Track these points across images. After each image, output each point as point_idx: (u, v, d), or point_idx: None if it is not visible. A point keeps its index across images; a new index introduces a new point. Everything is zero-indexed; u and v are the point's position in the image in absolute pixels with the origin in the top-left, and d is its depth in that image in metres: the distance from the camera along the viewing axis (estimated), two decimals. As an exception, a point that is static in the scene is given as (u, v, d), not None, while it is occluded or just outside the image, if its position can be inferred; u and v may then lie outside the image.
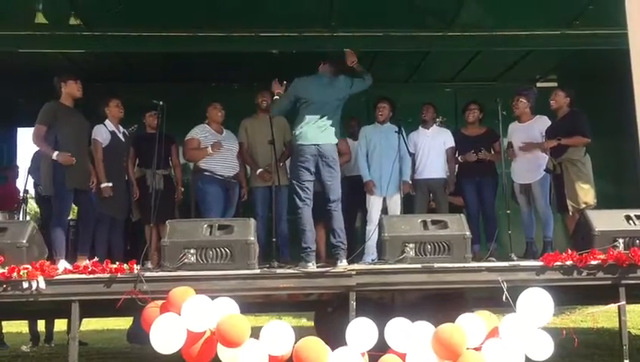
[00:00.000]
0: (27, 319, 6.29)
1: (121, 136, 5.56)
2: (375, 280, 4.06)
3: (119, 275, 3.93)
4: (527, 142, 5.61)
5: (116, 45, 6.07)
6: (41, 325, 6.61)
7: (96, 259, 4.23)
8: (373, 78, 5.12)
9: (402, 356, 3.60)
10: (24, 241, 4.10)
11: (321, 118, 4.80)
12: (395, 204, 5.60)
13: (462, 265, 4.11)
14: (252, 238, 4.12)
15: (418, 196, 5.88)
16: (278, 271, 4.16)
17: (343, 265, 4.40)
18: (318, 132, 4.76)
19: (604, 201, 5.53)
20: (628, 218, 4.28)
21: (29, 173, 6.58)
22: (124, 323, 6.76)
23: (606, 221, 4.28)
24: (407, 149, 5.67)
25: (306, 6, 5.69)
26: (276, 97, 5.06)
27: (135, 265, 3.99)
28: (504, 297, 3.79)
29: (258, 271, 4.08)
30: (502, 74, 7.71)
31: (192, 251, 4.06)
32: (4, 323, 6.60)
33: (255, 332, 3.64)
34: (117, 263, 4.03)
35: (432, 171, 5.86)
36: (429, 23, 6.14)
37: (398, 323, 3.64)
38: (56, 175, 4.85)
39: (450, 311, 3.83)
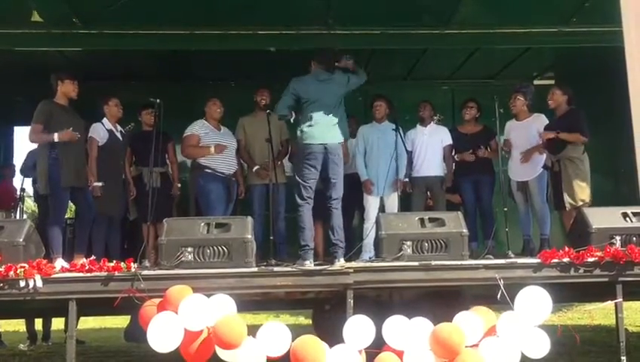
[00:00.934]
0: (24, 318, 6.27)
1: (118, 134, 5.56)
2: (372, 278, 4.06)
3: (116, 274, 3.92)
4: (525, 151, 5.59)
5: (113, 43, 6.06)
6: (38, 324, 6.60)
7: (93, 257, 4.23)
8: (370, 76, 5.12)
9: (400, 353, 3.61)
10: (21, 240, 4.08)
11: (326, 115, 4.78)
12: (393, 202, 5.60)
13: (459, 262, 4.12)
14: (249, 236, 4.11)
15: (415, 194, 5.88)
16: (276, 269, 4.15)
17: (340, 263, 4.40)
18: (325, 131, 4.75)
19: (601, 199, 5.54)
20: (625, 215, 4.29)
21: (21, 172, 6.58)
22: (121, 321, 6.76)
23: (603, 218, 4.29)
24: (405, 147, 5.68)
25: (303, 4, 5.68)
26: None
27: (132, 264, 3.98)
28: (501, 295, 3.79)
29: (255, 269, 4.07)
30: (499, 71, 7.73)
31: (189, 249, 4.05)
32: (1, 321, 6.60)
33: (252, 331, 3.64)
34: (114, 261, 4.02)
35: (430, 169, 5.86)
36: (427, 20, 6.14)
37: (395, 321, 3.64)
38: (51, 173, 4.83)
39: (447, 308, 3.84)
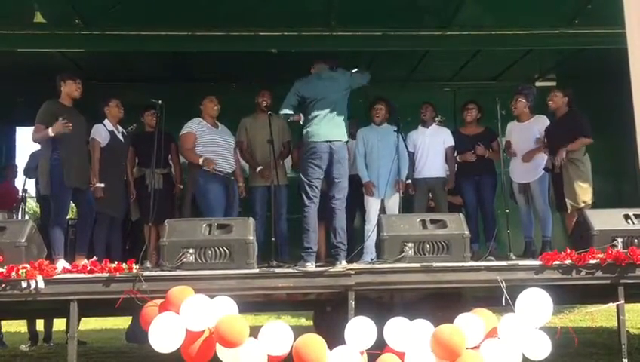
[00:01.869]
0: (26, 318, 6.28)
1: (119, 135, 5.56)
2: (374, 280, 4.06)
3: (118, 275, 3.93)
4: (526, 153, 5.60)
5: (115, 44, 6.06)
6: (39, 324, 6.61)
7: (94, 258, 4.23)
8: (372, 78, 5.12)
9: (401, 355, 3.61)
10: (23, 241, 4.09)
11: (330, 113, 4.77)
12: (394, 203, 5.60)
13: (461, 264, 4.12)
14: (251, 238, 4.11)
15: (417, 195, 5.88)
16: (277, 270, 4.15)
17: (341, 265, 4.39)
18: (330, 129, 4.74)
19: (603, 200, 5.54)
20: (627, 217, 4.29)
21: (24, 173, 6.58)
22: (122, 322, 6.76)
23: (605, 220, 4.29)
24: (407, 148, 5.67)
25: (305, 5, 5.68)
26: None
27: (134, 265, 3.98)
28: (504, 299, 3.79)
29: (257, 270, 4.08)
30: (501, 73, 7.72)
31: (190, 251, 4.06)
32: (2, 322, 6.59)
33: (254, 332, 3.64)
34: (116, 262, 4.02)
35: (431, 170, 5.86)
36: (428, 22, 6.14)
37: (396, 323, 3.64)
38: (53, 174, 4.83)
39: (448, 310, 3.84)
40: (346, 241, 4.71)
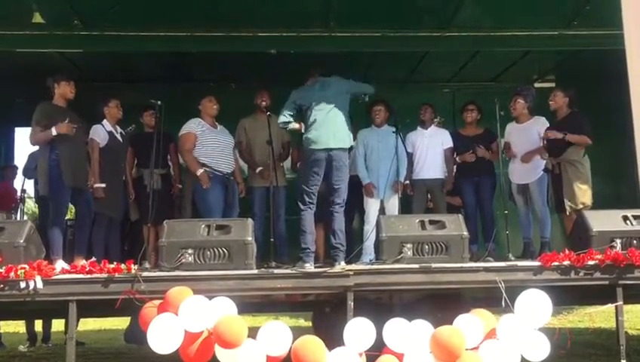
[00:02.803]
0: (24, 319, 6.28)
1: (118, 136, 5.55)
2: (373, 281, 4.06)
3: (117, 275, 3.92)
4: (525, 153, 5.60)
5: (114, 45, 6.06)
6: (38, 325, 6.61)
7: (93, 258, 4.22)
8: (371, 79, 5.13)
9: (400, 356, 3.61)
10: (21, 241, 4.09)
11: (329, 118, 4.77)
12: (393, 205, 5.59)
13: (459, 265, 4.11)
14: (250, 238, 4.11)
15: (416, 196, 5.88)
16: (276, 271, 4.15)
17: (340, 266, 4.40)
18: (330, 134, 4.74)
19: (602, 201, 5.54)
20: (625, 218, 4.29)
21: (23, 173, 6.58)
22: (121, 323, 6.76)
23: (603, 221, 4.29)
24: (405, 149, 5.67)
25: (304, 6, 5.69)
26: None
27: (132, 265, 3.98)
28: (503, 301, 3.79)
29: (256, 271, 4.07)
30: (500, 74, 7.72)
31: (189, 251, 4.05)
32: (1, 323, 6.59)
33: (253, 333, 3.64)
34: (114, 263, 4.01)
35: (430, 171, 5.86)
36: (427, 23, 6.14)
37: (395, 324, 3.64)
38: (52, 174, 4.83)
39: (447, 311, 3.84)
40: (345, 242, 4.72)
